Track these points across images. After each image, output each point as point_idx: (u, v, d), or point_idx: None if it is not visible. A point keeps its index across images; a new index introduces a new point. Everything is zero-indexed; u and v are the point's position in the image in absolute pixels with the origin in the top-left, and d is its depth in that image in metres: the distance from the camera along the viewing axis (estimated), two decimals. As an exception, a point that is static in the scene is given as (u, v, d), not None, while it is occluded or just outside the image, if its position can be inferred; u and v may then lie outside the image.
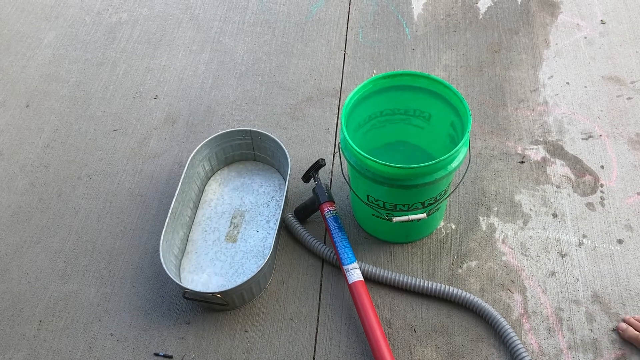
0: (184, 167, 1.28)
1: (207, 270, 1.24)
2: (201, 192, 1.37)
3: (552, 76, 1.56)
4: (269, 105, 1.55)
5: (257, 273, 1.11)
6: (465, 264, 1.23)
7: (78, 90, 1.63)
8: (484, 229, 1.29)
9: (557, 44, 1.64)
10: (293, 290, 1.22)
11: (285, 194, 1.24)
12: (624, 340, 1.12)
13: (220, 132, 1.33)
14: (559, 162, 1.39)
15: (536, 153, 1.41)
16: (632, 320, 1.12)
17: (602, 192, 1.33)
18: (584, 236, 1.26)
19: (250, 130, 1.34)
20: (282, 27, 1.75)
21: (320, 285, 1.22)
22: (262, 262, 1.23)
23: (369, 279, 1.20)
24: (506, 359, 1.10)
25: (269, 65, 1.65)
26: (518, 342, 1.09)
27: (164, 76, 1.65)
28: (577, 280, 1.20)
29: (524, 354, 1.07)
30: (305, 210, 1.28)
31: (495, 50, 1.63)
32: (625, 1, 1.73)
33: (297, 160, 1.42)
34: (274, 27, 1.75)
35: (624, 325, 1.12)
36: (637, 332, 1.10)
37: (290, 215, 1.29)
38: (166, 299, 1.22)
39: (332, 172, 1.40)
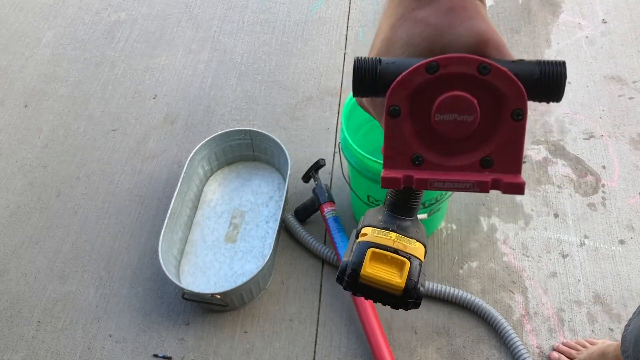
0: (183, 167, 1.27)
1: (206, 270, 1.24)
2: (200, 192, 1.36)
3: (553, 76, 1.55)
4: (269, 105, 1.54)
5: (256, 274, 1.11)
6: (466, 265, 1.23)
7: (77, 90, 1.62)
8: (485, 229, 1.28)
9: (558, 43, 1.63)
10: (293, 291, 1.21)
11: (285, 194, 1.24)
12: None
13: (219, 132, 1.33)
14: (560, 162, 1.38)
15: (537, 153, 1.40)
16: (562, 347, 1.09)
17: (603, 192, 1.33)
18: (586, 237, 1.26)
19: (249, 130, 1.33)
20: (282, 26, 1.74)
21: (321, 286, 1.22)
22: (261, 263, 1.22)
23: (369, 279, 1.19)
24: (507, 360, 1.10)
25: (269, 65, 1.64)
26: (519, 343, 1.08)
27: (163, 76, 1.64)
28: (579, 280, 1.19)
29: (525, 355, 1.06)
30: (305, 210, 1.27)
31: (496, 50, 1.62)
32: (626, 0, 1.72)
33: (297, 160, 1.42)
34: (273, 26, 1.75)
35: (555, 354, 1.09)
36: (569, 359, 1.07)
37: (290, 216, 1.28)
38: (165, 299, 1.21)
39: (332, 172, 1.40)
